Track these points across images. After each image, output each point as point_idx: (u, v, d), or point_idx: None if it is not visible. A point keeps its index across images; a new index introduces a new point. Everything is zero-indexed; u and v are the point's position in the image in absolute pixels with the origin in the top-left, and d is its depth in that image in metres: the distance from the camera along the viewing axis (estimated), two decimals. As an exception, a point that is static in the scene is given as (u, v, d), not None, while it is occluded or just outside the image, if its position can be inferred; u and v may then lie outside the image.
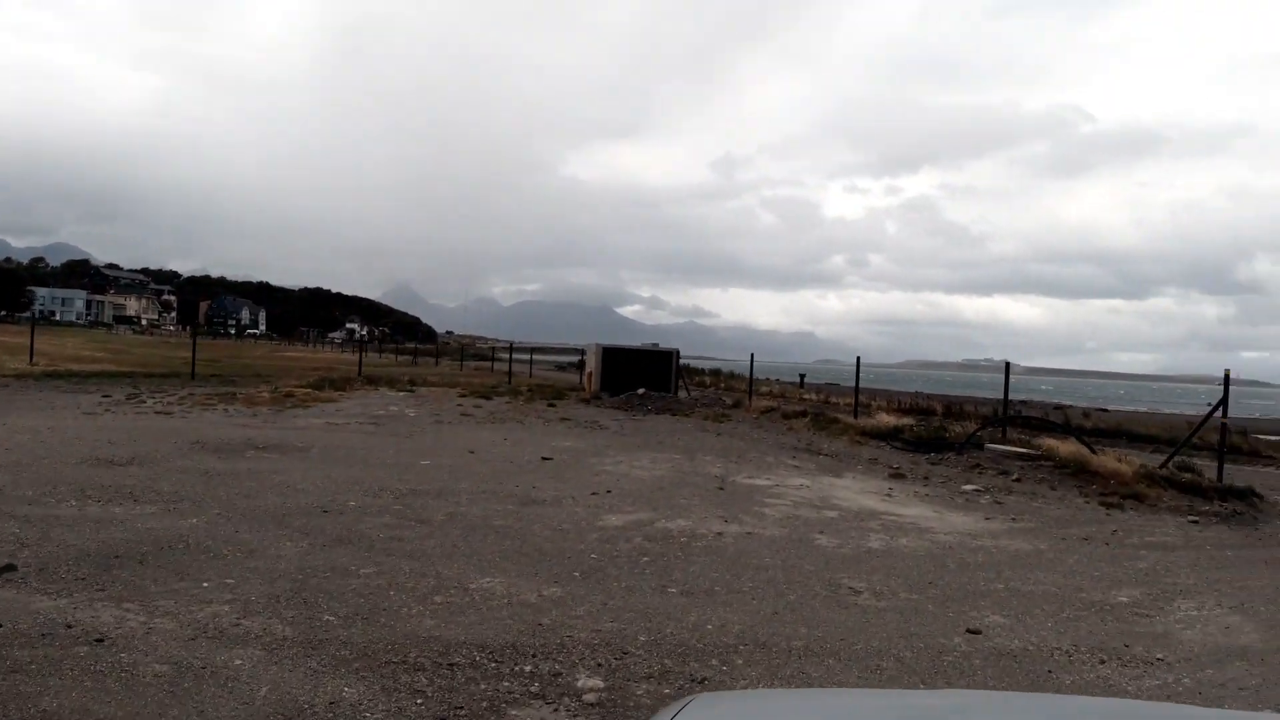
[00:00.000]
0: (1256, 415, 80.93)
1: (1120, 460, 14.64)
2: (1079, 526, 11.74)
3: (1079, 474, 14.80)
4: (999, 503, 13.26)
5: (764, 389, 57.02)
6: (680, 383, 34.78)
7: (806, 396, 47.33)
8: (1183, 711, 2.59)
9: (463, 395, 31.29)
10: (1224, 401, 14.87)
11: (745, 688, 5.01)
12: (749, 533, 10.04)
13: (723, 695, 3.04)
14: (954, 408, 40.29)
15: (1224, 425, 15.38)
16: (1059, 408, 68.00)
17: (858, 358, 25.02)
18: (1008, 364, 19.83)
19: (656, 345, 34.27)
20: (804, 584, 7.81)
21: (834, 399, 44.32)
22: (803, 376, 63.16)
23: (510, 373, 46.76)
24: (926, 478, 15.47)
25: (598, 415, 25.31)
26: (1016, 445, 17.32)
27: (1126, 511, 12.97)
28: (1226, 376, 15.04)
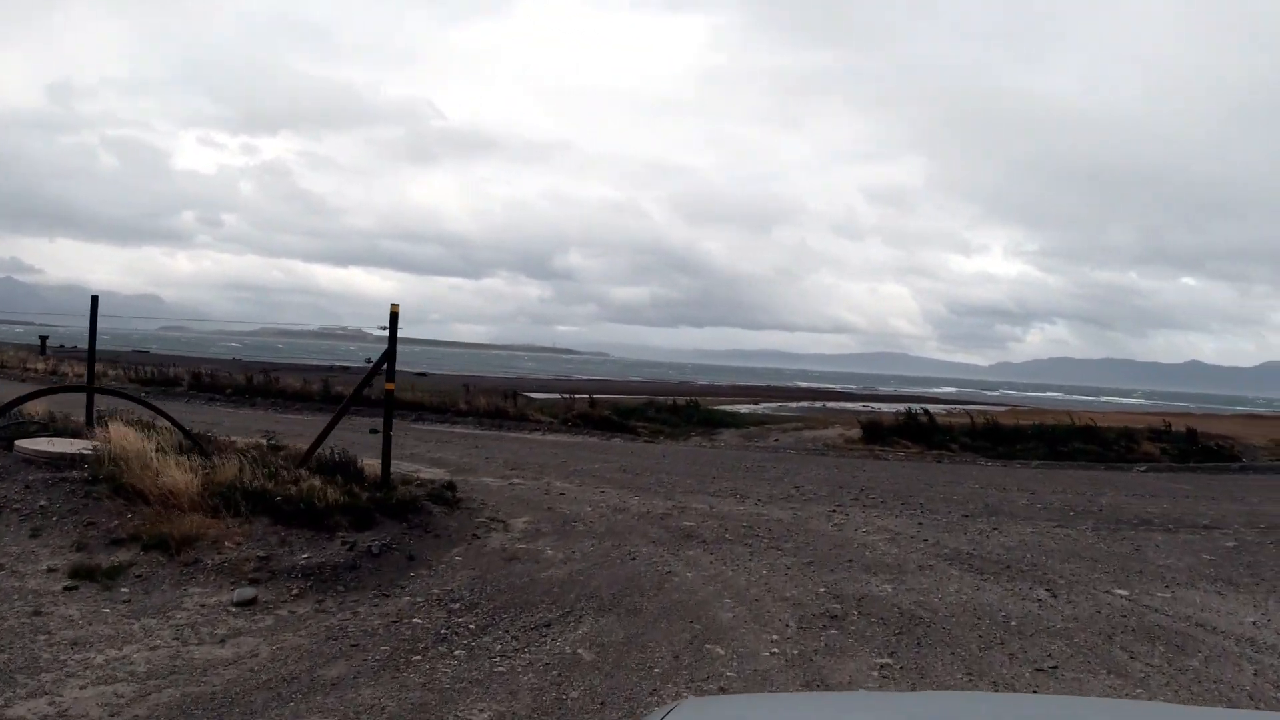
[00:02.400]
0: (549, 376, 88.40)
1: (190, 465, 7.55)
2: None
3: (117, 493, 7.35)
4: None
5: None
6: None
7: (34, 367, 34.16)
8: (1182, 712, 2.61)
9: None
10: (389, 356, 8.82)
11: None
12: None
13: (710, 700, 3.13)
14: (204, 376, 31.58)
15: (389, 393, 9.43)
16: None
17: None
18: (93, 302, 11.78)
19: None
20: None
21: (64, 368, 32.80)
22: (44, 339, 47.80)
23: None
24: None
25: None
26: (80, 440, 9.37)
27: (132, 582, 5.80)
28: (392, 317, 9.01)
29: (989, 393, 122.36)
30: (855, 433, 22.30)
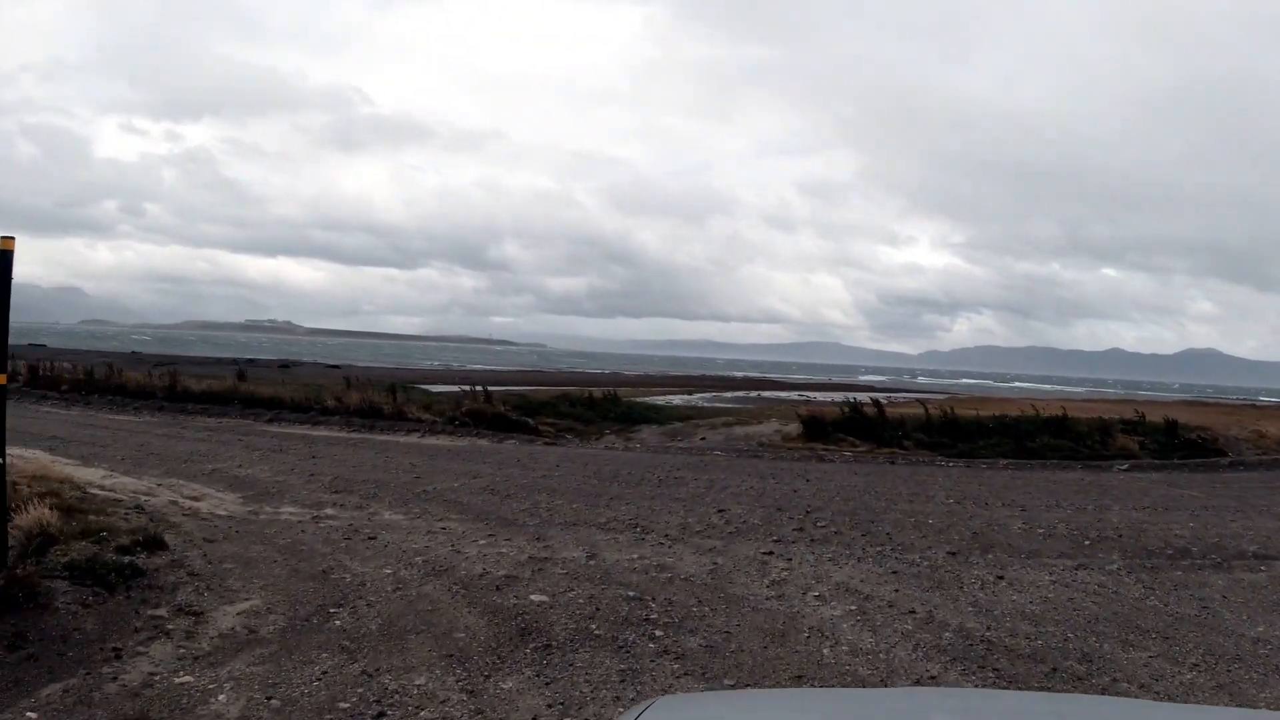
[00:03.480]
0: (476, 367, 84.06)
1: None
2: None
3: None
4: None
5: None
6: None
7: None
8: (1164, 710, 2.65)
9: None
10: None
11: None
12: None
13: (685, 698, 3.13)
14: (42, 371, 26.87)
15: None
16: (289, 367, 59.19)
17: None
18: None
19: None
20: None
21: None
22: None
23: None
24: None
25: None
26: None
27: None
28: (2, 257, 5.23)
29: (920, 379, 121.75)
30: (794, 428, 19.10)
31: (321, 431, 17.73)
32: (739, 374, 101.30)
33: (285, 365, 64.53)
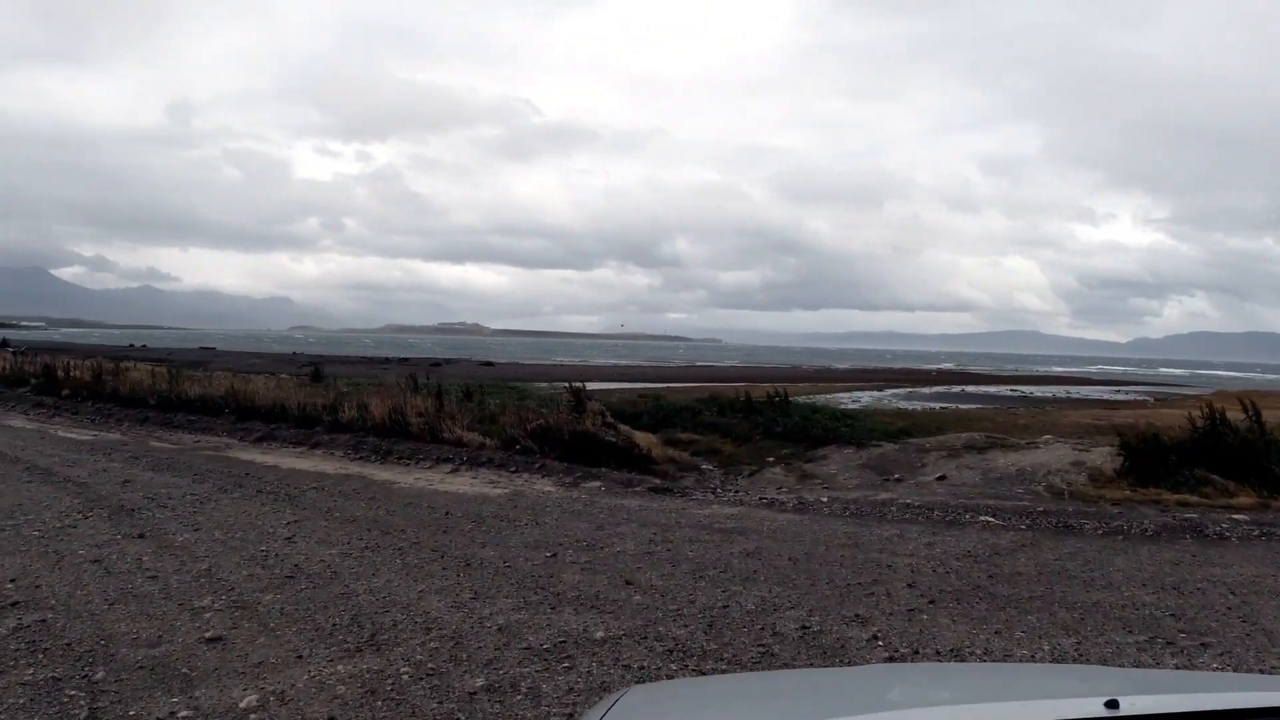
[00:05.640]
0: (646, 364, 77.72)
1: None
2: None
3: None
4: None
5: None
6: None
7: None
8: (1135, 674, 2.72)
9: None
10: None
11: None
12: None
13: (658, 686, 3.15)
14: (64, 369, 22.03)
15: None
16: (440, 365, 54.97)
17: None
18: None
19: None
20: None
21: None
22: (5, 343, 39.90)
23: None
24: None
25: None
26: None
27: None
28: None
29: (1142, 371, 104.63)
30: (1101, 457, 10.53)
31: (301, 462, 11.03)
32: (933, 367, 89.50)
33: (437, 364, 59.92)
